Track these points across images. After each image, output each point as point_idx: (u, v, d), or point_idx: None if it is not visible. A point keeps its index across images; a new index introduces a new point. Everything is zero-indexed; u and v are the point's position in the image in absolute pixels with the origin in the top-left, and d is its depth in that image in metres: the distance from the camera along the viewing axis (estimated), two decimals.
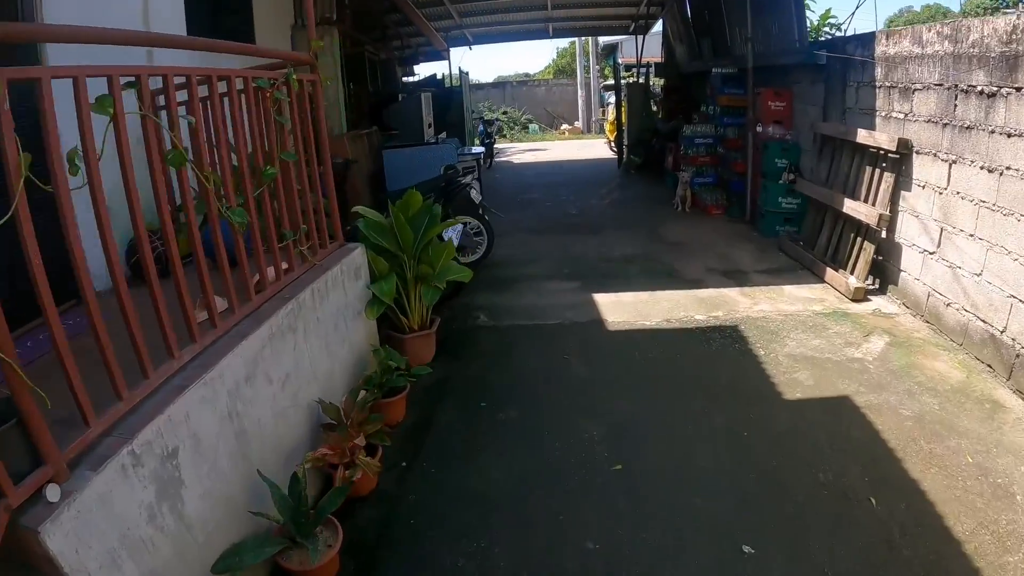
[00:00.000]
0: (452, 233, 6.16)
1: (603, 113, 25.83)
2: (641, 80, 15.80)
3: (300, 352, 3.34)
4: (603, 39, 29.84)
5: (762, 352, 5.03)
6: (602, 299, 6.37)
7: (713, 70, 10.43)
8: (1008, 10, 37.29)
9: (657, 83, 17.14)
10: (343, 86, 12.29)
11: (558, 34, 18.32)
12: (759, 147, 8.82)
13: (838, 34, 12.63)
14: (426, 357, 4.95)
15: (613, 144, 18.77)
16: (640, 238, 8.68)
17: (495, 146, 19.09)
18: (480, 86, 33.83)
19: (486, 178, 14.53)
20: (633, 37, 17.24)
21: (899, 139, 5.79)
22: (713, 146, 10.39)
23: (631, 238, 8.71)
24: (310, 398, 3.45)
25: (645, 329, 5.63)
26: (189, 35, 5.60)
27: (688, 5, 13.18)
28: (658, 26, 16.08)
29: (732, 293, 6.40)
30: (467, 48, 17.99)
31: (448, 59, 16.34)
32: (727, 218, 9.64)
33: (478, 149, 9.00)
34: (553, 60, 39.79)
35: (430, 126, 9.68)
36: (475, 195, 7.01)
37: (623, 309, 6.09)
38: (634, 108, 14.90)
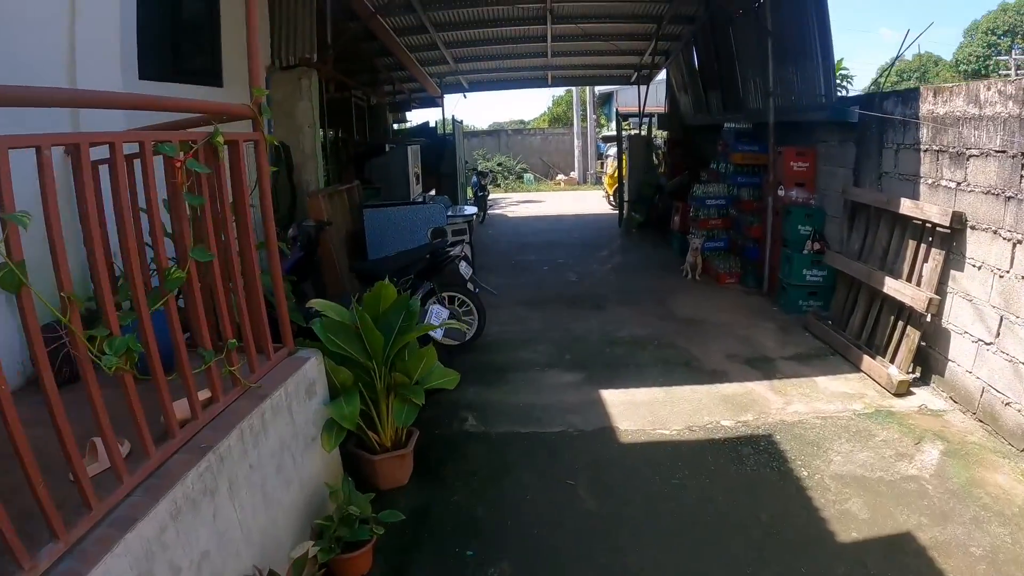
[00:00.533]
0: (438, 331, 5.36)
1: (601, 165, 25.05)
2: (643, 132, 15.17)
3: (225, 517, 2.50)
4: (599, 88, 29.67)
5: (804, 473, 4.20)
6: (611, 397, 5.50)
7: (725, 125, 9.78)
8: (1001, 57, 37.40)
9: (659, 135, 16.59)
10: (325, 134, 11.65)
11: (557, 83, 17.89)
12: (779, 211, 8.11)
13: (850, 87, 12.12)
14: (401, 479, 4.08)
15: (612, 198, 18.16)
16: (649, 314, 7.86)
17: (489, 197, 18.44)
18: (475, 133, 33.53)
19: (479, 234, 13.82)
20: (631, 85, 16.79)
21: (953, 212, 5.07)
22: (725, 208, 9.68)
23: (639, 314, 7.88)
24: (242, 570, 2.61)
25: (665, 441, 4.76)
26: (144, 78, 4.94)
27: (696, 54, 12.63)
28: (661, 75, 15.58)
29: (760, 388, 5.58)
30: (464, 92, 17.45)
31: (442, 105, 15.70)
32: (742, 288, 8.88)
33: (470, 209, 8.26)
34: (549, 108, 39.62)
35: (418, 181, 8.96)
36: (465, 268, 6.24)
37: (636, 412, 5.22)
38: (635, 162, 14.28)
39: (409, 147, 8.07)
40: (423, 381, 3.93)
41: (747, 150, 9.19)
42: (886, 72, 20.52)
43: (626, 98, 31.11)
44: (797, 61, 8.02)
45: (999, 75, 33.33)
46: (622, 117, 19.82)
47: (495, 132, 32.85)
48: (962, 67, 41.63)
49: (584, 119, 29.20)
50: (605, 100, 32.81)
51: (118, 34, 4.16)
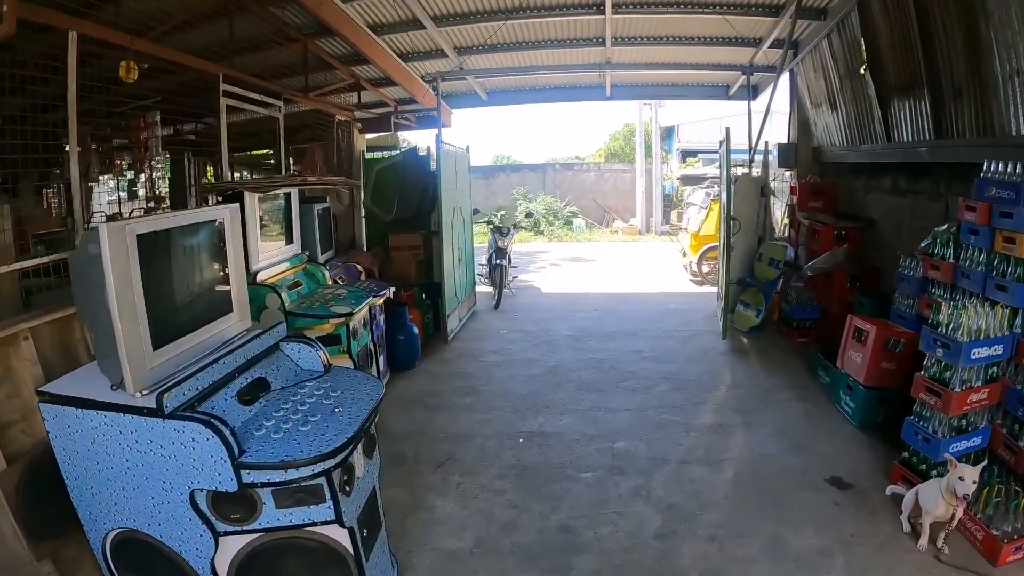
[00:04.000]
0: None
1: (679, 217, 17.52)
2: (753, 172, 9.74)
3: None
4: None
5: None
6: None
7: (988, 166, 4.38)
8: None
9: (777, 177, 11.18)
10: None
11: (620, 94, 12.24)
12: None
13: None
14: None
15: (696, 267, 12.74)
16: None
17: (526, 251, 13.07)
18: (515, 167, 28.64)
19: (482, 341, 8.60)
20: (728, 101, 11.68)
21: None
22: (1000, 361, 4.12)
23: None
24: None
25: None
26: None
27: (865, 29, 7.16)
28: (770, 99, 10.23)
29: None
30: (480, 107, 12.31)
31: (439, 121, 10.21)
32: None
33: (371, 390, 2.86)
34: (605, 143, 34.16)
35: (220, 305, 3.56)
36: None
37: None
38: (742, 219, 8.90)
39: (222, 215, 2.49)
40: None
41: None
42: None
43: (689, 134, 25.68)
44: None
45: None
46: (683, 155, 13.92)
47: (540, 167, 27.33)
48: None
49: (649, 152, 23.83)
50: (665, 135, 27.38)
51: None
